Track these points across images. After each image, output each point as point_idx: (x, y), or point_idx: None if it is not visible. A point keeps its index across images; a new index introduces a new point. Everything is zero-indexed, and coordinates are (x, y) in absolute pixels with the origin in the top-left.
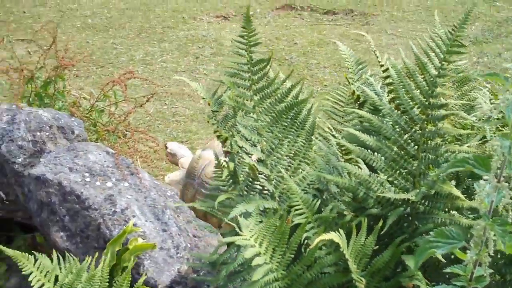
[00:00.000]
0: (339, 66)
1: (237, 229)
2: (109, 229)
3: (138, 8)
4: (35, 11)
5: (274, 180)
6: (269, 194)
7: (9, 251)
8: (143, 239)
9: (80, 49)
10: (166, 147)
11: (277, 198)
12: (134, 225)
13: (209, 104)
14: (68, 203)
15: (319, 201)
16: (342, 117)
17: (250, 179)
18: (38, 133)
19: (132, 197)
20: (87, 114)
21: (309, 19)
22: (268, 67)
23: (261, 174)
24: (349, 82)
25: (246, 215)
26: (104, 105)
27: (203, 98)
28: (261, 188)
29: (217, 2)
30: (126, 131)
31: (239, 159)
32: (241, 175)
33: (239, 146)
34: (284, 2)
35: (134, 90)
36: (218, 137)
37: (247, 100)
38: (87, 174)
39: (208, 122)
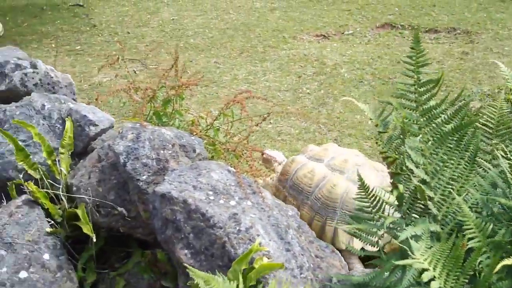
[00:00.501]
0: (444, 85)
1: (406, 252)
2: (234, 247)
3: (239, 28)
4: (139, 31)
5: (438, 202)
6: (432, 216)
7: (201, 274)
8: (268, 259)
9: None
10: (263, 154)
11: (439, 220)
12: (259, 244)
13: (376, 126)
14: (193, 221)
15: (491, 225)
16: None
17: (411, 201)
18: (162, 151)
19: (256, 216)
20: (205, 132)
21: (411, 38)
22: (437, 88)
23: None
24: None
25: (416, 238)
26: (221, 123)
27: (371, 119)
28: (422, 210)
29: (317, 21)
30: (244, 149)
31: (405, 180)
32: (405, 197)
33: (406, 168)
34: (384, 21)
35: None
36: (385, 158)
37: (413, 122)
38: (210, 193)
39: (376, 143)
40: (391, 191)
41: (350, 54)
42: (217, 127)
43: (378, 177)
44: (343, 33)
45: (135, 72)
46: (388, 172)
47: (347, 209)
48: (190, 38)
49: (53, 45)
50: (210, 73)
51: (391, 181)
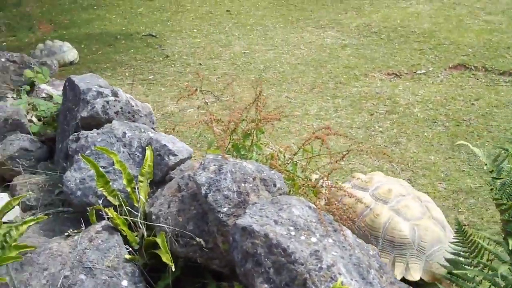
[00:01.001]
0: None
1: None
2: (315, 285)
3: (310, 64)
4: (211, 63)
5: None
6: None
7: None
8: None
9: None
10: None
11: None
12: (341, 283)
13: (491, 172)
14: (274, 256)
15: None
16: None
17: None
18: (243, 184)
19: (337, 254)
20: (284, 167)
21: (484, 80)
22: None
23: None
24: None
25: None
26: (301, 159)
27: (485, 165)
28: None
29: (388, 60)
30: (323, 186)
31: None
32: None
33: None
34: (457, 62)
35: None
36: (498, 205)
37: None
38: (291, 228)
39: (490, 190)
40: (503, 238)
41: (423, 93)
42: (295, 162)
43: (422, 207)
44: (415, 72)
45: (207, 104)
46: (501, 219)
47: (389, 238)
48: (261, 72)
49: (127, 74)
50: (281, 107)
51: (503, 228)
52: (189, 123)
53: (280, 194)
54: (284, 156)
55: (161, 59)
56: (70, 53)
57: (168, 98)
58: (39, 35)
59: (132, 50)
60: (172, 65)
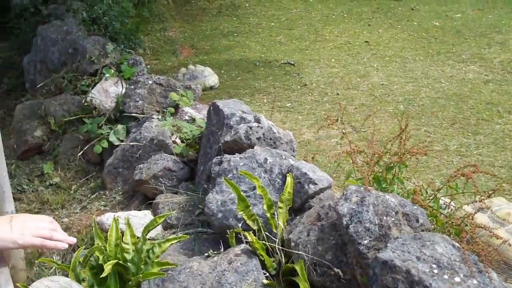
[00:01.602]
0: None
1: None
2: None
3: (450, 98)
4: (348, 93)
5: None
6: None
7: None
8: None
9: (392, 134)
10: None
11: None
12: None
13: None
14: None
15: None
16: None
17: None
18: (385, 218)
19: None
20: (428, 203)
21: None
22: None
23: None
24: None
25: None
26: (444, 195)
27: None
28: None
29: None
30: (467, 225)
31: None
32: None
33: None
34: None
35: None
36: None
37: None
38: (434, 266)
39: None
40: None
41: None
42: (438, 199)
43: None
44: None
45: (345, 134)
46: None
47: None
48: (400, 104)
49: (265, 100)
50: (420, 141)
51: None
52: (326, 152)
53: (423, 230)
54: (427, 192)
55: (299, 87)
56: (211, 78)
57: (305, 126)
58: (181, 60)
59: (270, 77)
60: (310, 94)
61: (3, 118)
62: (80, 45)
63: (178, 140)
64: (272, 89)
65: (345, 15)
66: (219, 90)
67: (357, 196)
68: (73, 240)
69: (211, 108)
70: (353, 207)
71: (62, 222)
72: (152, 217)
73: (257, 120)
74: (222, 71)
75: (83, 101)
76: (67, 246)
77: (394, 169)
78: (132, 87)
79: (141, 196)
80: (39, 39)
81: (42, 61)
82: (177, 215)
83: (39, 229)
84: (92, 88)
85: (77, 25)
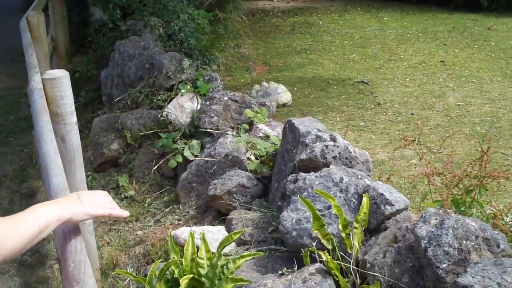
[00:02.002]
0: None
1: None
2: None
3: None
4: (423, 114)
5: None
6: None
7: None
8: None
9: (469, 156)
10: None
11: None
12: None
13: None
14: None
15: None
16: None
17: None
18: (464, 242)
19: None
20: (509, 228)
21: None
22: None
23: None
24: None
25: None
26: None
27: None
28: None
29: None
30: None
31: None
32: None
33: None
34: None
35: None
36: None
37: None
38: None
39: None
40: None
41: None
42: None
43: None
44: None
45: (420, 155)
46: None
47: None
48: (477, 125)
49: (338, 119)
50: (498, 164)
51: None
52: (401, 173)
53: (504, 256)
54: (507, 216)
55: (372, 106)
56: (284, 95)
57: (379, 146)
58: (254, 76)
59: (343, 96)
60: (384, 113)
61: (80, 131)
62: (156, 60)
63: (252, 157)
64: (346, 107)
65: (420, 34)
66: (292, 108)
67: (436, 219)
68: (127, 213)
69: (287, 125)
70: (432, 230)
71: (136, 234)
72: (225, 233)
73: (333, 139)
74: (295, 89)
75: (159, 116)
76: (128, 214)
77: (474, 192)
78: (208, 103)
79: (214, 211)
80: (117, 54)
81: (119, 76)
82: (251, 231)
83: (102, 202)
84: (168, 103)
85: (154, 41)
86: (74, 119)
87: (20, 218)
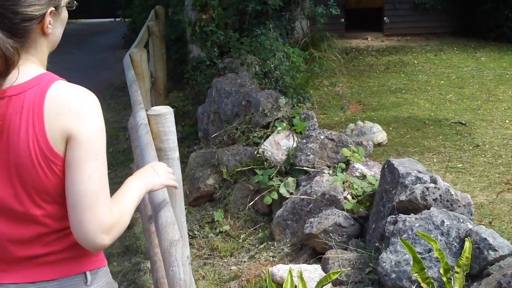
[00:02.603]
0: None
1: None
2: None
3: None
4: None
5: None
6: None
7: None
8: None
9: None
10: None
11: None
12: None
13: None
14: None
15: None
16: None
17: None
18: None
19: None
20: None
21: None
22: None
23: None
24: None
25: None
26: None
27: None
28: None
29: None
30: None
31: None
32: None
33: None
34: None
35: None
36: None
37: None
38: None
39: None
40: None
41: None
42: None
43: None
44: None
45: None
46: None
47: None
48: None
49: (435, 160)
50: None
51: None
52: (501, 217)
53: None
54: None
55: (470, 148)
56: (380, 135)
57: (477, 188)
58: (349, 115)
59: (440, 137)
60: (482, 155)
61: None
62: (253, 97)
63: (349, 196)
64: (443, 148)
65: None
66: (387, 147)
67: None
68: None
69: (386, 166)
70: None
71: (231, 269)
72: (322, 272)
73: (434, 181)
74: (390, 128)
75: (255, 153)
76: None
77: None
78: (304, 141)
79: (309, 249)
80: (214, 91)
81: (215, 112)
82: (347, 272)
83: (170, 173)
84: (264, 140)
85: (250, 78)
86: (176, 154)
87: (129, 197)
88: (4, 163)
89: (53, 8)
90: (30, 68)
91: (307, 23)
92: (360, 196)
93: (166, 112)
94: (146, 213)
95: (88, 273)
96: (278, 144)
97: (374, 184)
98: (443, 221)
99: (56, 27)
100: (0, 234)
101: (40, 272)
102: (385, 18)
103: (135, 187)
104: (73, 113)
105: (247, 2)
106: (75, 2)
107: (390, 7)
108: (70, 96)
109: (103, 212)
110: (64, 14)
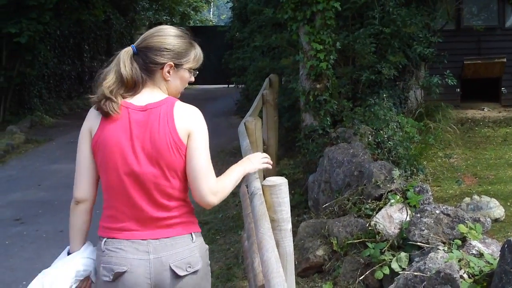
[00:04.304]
0: None
1: None
2: None
3: None
4: None
5: None
6: None
7: None
8: None
9: None
10: None
11: None
12: None
13: None
14: None
15: None
16: None
17: None
18: None
19: None
20: None
21: None
22: None
23: None
24: None
25: None
26: None
27: None
28: None
29: None
30: None
31: None
32: None
33: None
34: None
35: None
36: None
37: None
38: None
39: None
40: None
41: None
42: None
43: None
44: None
45: None
46: None
47: None
48: None
49: None
50: None
51: None
52: None
53: None
54: None
55: None
56: (497, 210)
57: None
58: (464, 188)
59: None
60: None
61: None
62: (365, 168)
63: (465, 275)
64: None
65: None
66: (505, 224)
67: None
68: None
69: (506, 245)
70: None
71: None
72: None
73: None
74: (508, 203)
75: (367, 225)
76: (271, 165)
77: None
78: (418, 215)
79: None
80: (325, 160)
81: (326, 181)
82: None
83: (263, 158)
84: (377, 212)
85: (363, 149)
86: (289, 226)
87: (230, 177)
88: (148, 150)
89: (172, 64)
90: (158, 93)
91: (421, 93)
92: (477, 275)
93: (280, 183)
94: (257, 283)
95: (193, 234)
96: (391, 217)
97: (492, 264)
98: None
99: (174, 78)
100: (140, 199)
101: (162, 232)
102: (503, 88)
103: (234, 170)
104: (192, 118)
105: (361, 72)
106: (196, 72)
107: (508, 77)
108: (188, 108)
109: (212, 181)
110: (184, 74)
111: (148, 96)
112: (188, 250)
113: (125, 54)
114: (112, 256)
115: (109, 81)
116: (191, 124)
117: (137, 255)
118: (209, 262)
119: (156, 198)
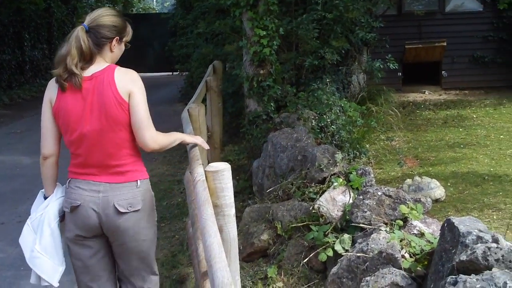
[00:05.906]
0: None
1: None
2: None
3: None
4: None
5: None
6: None
7: None
8: None
9: None
10: None
11: None
12: None
13: None
14: None
15: None
16: None
17: None
18: None
19: None
20: None
21: None
22: None
23: None
24: None
25: None
26: None
27: None
28: None
29: None
30: None
31: None
32: None
33: None
34: None
35: None
36: None
37: None
38: None
39: None
40: None
41: None
42: None
43: None
44: None
45: None
46: None
47: None
48: None
49: (495, 217)
50: None
51: None
52: None
53: None
54: None
55: None
56: (437, 191)
57: None
58: (405, 170)
59: (500, 193)
60: None
61: None
62: (309, 152)
63: (406, 255)
64: (503, 205)
65: None
66: (445, 204)
67: None
68: (207, 146)
69: (445, 224)
70: None
71: None
72: None
73: (495, 240)
74: (448, 184)
75: (310, 208)
76: (208, 148)
77: None
78: (361, 197)
79: None
80: (269, 145)
81: (270, 166)
82: None
83: (199, 138)
84: (320, 195)
85: (307, 133)
86: (232, 211)
87: (169, 135)
88: (98, 110)
89: (118, 38)
90: (103, 63)
91: (364, 77)
92: (418, 254)
93: (223, 169)
94: (200, 270)
95: (139, 181)
96: (334, 200)
97: (432, 243)
98: (505, 283)
99: (117, 49)
100: (96, 150)
101: (114, 177)
102: (443, 72)
103: (174, 133)
104: (130, 79)
105: (304, 57)
106: (129, 45)
107: (448, 61)
108: (127, 71)
109: (152, 130)
110: (122, 46)
111: (96, 66)
112: (132, 193)
113: (82, 31)
114: (72, 192)
115: (74, 57)
116: (130, 85)
117: (90, 193)
118: (154, 207)
119: (107, 148)
